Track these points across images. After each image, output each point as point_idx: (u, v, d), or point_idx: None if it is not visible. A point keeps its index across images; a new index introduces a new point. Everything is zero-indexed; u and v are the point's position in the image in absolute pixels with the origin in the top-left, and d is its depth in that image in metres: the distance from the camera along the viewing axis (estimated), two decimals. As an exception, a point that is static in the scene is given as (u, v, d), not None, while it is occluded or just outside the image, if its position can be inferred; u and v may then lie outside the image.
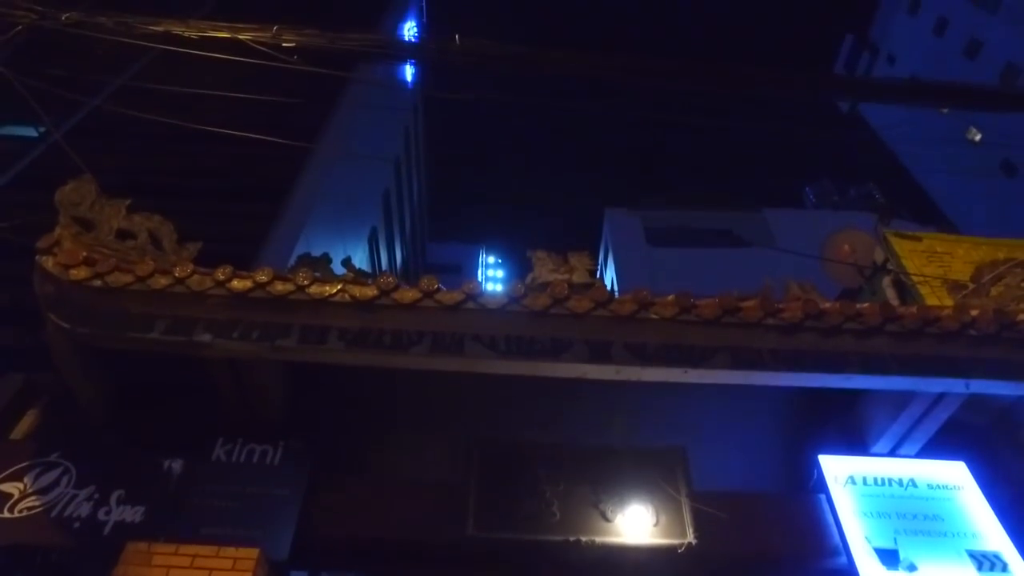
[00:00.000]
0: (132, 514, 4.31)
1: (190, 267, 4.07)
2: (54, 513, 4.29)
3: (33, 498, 4.36)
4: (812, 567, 4.54)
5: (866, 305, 4.31)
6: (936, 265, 6.77)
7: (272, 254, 9.09)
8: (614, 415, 4.94)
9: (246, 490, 4.38)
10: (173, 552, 3.88)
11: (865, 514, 4.55)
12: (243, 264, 4.23)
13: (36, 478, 4.44)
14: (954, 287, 5.71)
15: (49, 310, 4.03)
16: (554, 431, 4.90)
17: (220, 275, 4.04)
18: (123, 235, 4.44)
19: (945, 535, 4.47)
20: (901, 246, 7.06)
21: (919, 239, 7.24)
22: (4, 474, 4.44)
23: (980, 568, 4.28)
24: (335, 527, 4.36)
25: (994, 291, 5.18)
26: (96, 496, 4.39)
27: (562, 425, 4.96)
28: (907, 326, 4.20)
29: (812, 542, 4.57)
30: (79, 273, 3.95)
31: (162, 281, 3.98)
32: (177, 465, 4.57)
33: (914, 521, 4.54)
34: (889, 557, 4.34)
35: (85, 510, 4.33)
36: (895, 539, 4.42)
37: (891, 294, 6.96)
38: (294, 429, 4.67)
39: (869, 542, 4.41)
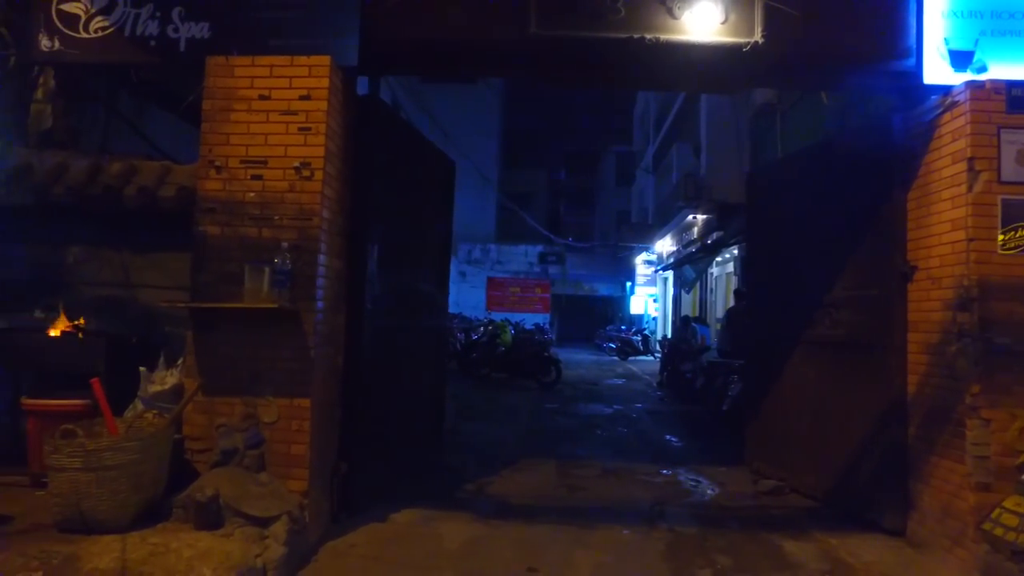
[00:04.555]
0: (199, 30, 4.36)
1: None
2: (127, 32, 4.40)
3: (100, 18, 4.42)
4: (879, 68, 4.43)
5: None
6: None
7: None
8: None
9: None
10: (251, 64, 4.04)
11: (954, 13, 4.19)
12: None
13: (94, -2, 4.42)
14: None
15: None
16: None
17: None
18: None
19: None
20: None
21: None
22: (62, -5, 4.42)
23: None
24: (398, 31, 4.35)
25: None
26: (158, 14, 4.40)
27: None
28: None
29: (886, 42, 4.34)
30: None
31: None
32: (225, -23, 4.42)
33: (1009, 20, 4.17)
34: (961, 59, 4.14)
35: (153, 28, 4.40)
36: (976, 40, 4.14)
37: None
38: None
39: (947, 43, 4.16)
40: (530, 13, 4.28)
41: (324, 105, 3.93)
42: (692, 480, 5.75)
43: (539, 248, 27.33)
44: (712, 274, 16.17)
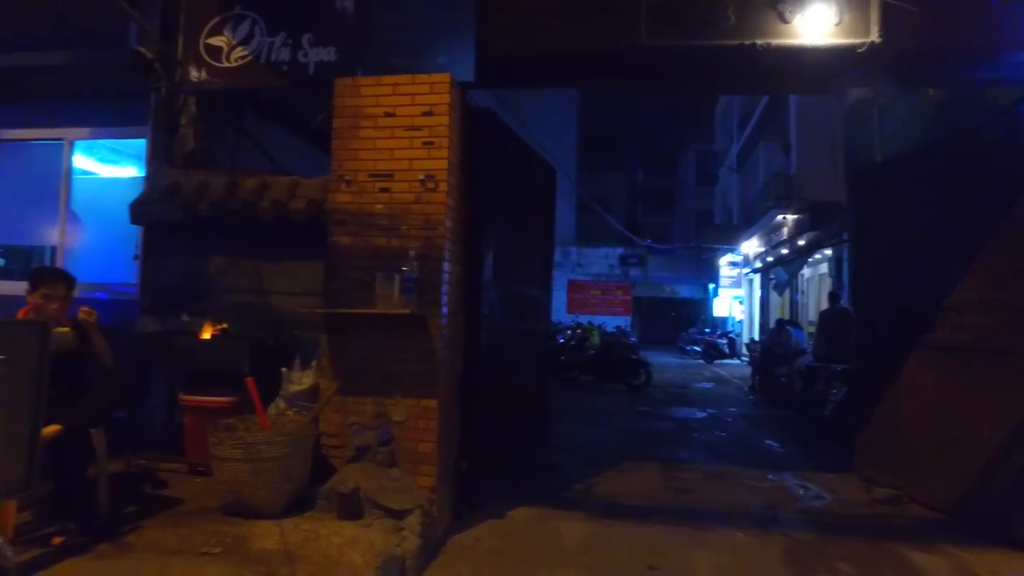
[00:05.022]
0: (326, 54, 4.71)
1: None
2: (262, 59, 4.79)
3: (240, 49, 4.83)
4: (1009, 60, 4.27)
5: None
6: None
7: None
8: None
9: (422, 20, 4.54)
10: (375, 83, 4.31)
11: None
12: None
13: (234, 30, 4.83)
14: None
15: None
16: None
17: None
18: None
19: None
20: None
21: None
22: (207, 29, 4.86)
23: None
24: (510, 46, 4.53)
25: None
26: (290, 42, 4.76)
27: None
28: None
29: (1017, 36, 4.18)
30: None
31: None
32: (348, 4, 4.73)
33: None
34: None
35: (285, 54, 4.77)
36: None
37: None
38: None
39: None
40: (640, 24, 4.38)
41: (446, 120, 4.15)
42: (800, 486, 5.65)
43: (620, 250, 27.16)
44: (804, 276, 15.67)
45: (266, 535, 3.36)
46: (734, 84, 6.05)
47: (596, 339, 13.01)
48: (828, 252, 12.79)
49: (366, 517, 3.65)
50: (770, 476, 5.98)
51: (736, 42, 4.35)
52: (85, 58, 5.21)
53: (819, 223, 12.75)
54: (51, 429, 3.13)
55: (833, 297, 9.90)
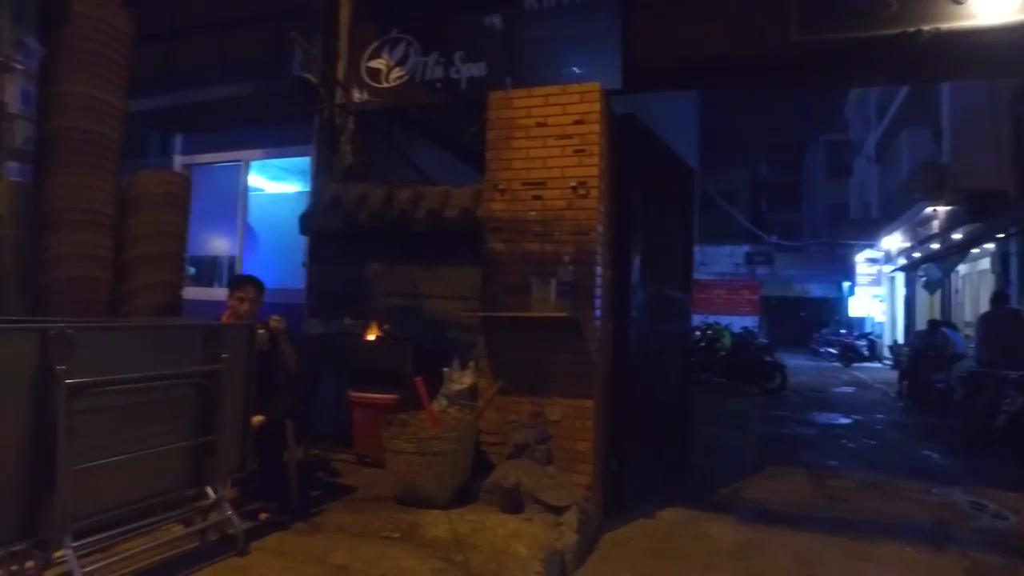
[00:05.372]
0: (477, 69, 4.96)
1: None
2: (417, 78, 5.11)
3: (397, 70, 5.19)
4: None
5: None
6: None
7: None
8: None
9: (567, 31, 4.67)
10: (527, 95, 4.49)
11: None
12: None
13: (391, 52, 5.20)
14: None
15: None
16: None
17: None
18: None
19: None
20: None
21: None
22: (367, 53, 5.26)
23: None
24: (656, 51, 4.56)
25: None
26: (442, 60, 5.05)
27: None
28: None
29: None
30: None
31: None
32: (497, 20, 4.95)
33: None
34: None
35: (439, 72, 5.07)
36: None
37: None
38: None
39: None
40: (791, 21, 4.26)
41: (597, 128, 4.25)
42: (973, 502, 5.24)
43: (745, 248, 26.11)
44: (959, 273, 14.38)
45: (436, 524, 3.61)
46: (895, 74, 5.68)
47: (727, 340, 12.64)
48: (991, 247, 11.67)
49: (526, 511, 3.82)
50: (935, 490, 5.59)
51: (897, 31, 4.11)
52: (263, 88, 5.79)
53: (979, 215, 11.67)
54: (258, 419, 3.55)
55: (1000, 298, 9.03)
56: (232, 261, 6.69)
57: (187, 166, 6.92)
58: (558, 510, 3.81)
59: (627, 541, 4.13)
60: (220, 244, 6.79)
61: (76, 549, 2.56)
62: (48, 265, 3.58)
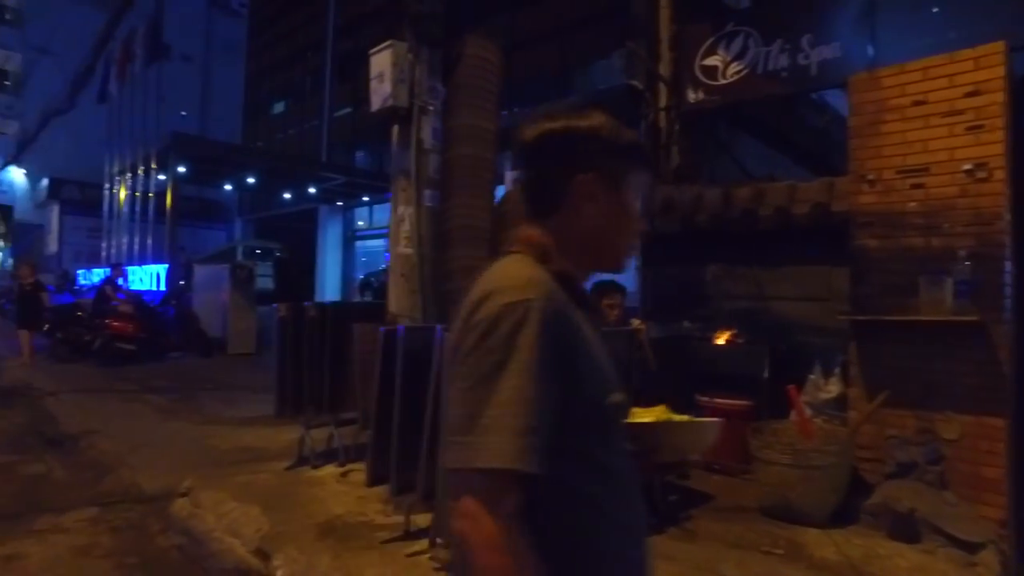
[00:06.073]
0: (829, 51, 4.57)
1: None
2: (758, 70, 4.89)
3: (734, 64, 5.03)
4: None
5: None
6: None
7: None
8: None
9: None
10: (899, 71, 3.97)
11: None
12: None
13: (727, 47, 5.06)
14: None
15: None
16: None
17: None
18: None
19: None
20: None
21: None
22: (701, 52, 5.19)
23: None
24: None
25: None
26: (787, 47, 4.76)
27: None
28: None
29: None
30: None
31: None
32: (850, -7, 4.50)
33: None
34: None
35: (783, 60, 4.78)
36: None
37: None
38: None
39: None
40: None
41: (999, 98, 3.59)
42: None
43: None
44: None
45: (820, 543, 3.38)
46: None
47: None
48: None
49: (924, 542, 3.37)
50: None
51: None
52: (598, 98, 6.09)
53: None
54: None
55: None
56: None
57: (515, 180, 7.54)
58: (969, 547, 3.29)
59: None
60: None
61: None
62: (448, 277, 4.20)
